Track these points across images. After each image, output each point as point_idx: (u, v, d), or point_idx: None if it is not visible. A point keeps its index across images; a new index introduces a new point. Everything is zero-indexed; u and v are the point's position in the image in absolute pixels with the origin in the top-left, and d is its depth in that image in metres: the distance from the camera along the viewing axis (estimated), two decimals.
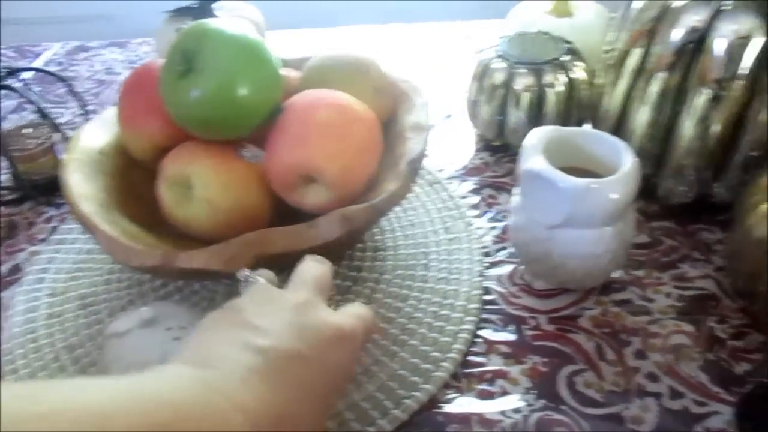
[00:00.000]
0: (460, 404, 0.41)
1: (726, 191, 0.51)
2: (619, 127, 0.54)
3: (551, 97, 0.58)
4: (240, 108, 0.42)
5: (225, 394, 0.27)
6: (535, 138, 0.45)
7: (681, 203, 0.53)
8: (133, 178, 0.49)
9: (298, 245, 0.40)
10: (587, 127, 0.59)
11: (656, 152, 0.52)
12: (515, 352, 0.44)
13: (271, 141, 0.44)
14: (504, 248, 0.52)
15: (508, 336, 0.46)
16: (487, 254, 0.52)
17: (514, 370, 0.43)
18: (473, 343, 0.45)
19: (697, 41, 0.47)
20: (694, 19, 0.47)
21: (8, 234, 0.58)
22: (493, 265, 0.51)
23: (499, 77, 0.59)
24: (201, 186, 0.43)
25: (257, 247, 0.40)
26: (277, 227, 0.41)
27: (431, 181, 0.59)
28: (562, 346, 0.45)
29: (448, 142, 0.66)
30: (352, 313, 0.34)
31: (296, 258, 0.37)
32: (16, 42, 0.92)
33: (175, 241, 0.45)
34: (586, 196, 0.42)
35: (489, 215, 0.56)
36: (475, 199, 0.58)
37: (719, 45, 0.45)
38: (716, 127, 0.48)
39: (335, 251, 0.42)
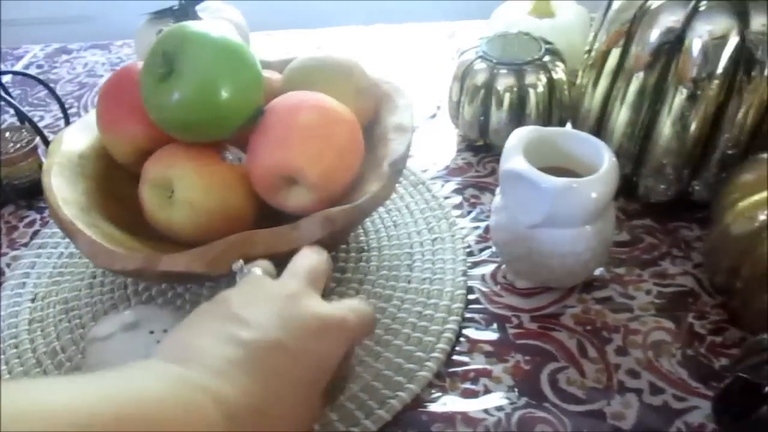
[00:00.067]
0: (444, 403, 0.42)
1: (704, 189, 0.52)
2: (600, 127, 0.55)
3: (533, 98, 0.58)
4: (221, 110, 0.42)
5: (201, 386, 0.26)
6: (516, 138, 0.46)
7: (660, 201, 0.54)
8: (114, 182, 0.49)
9: (280, 247, 0.40)
10: (568, 127, 0.60)
11: (636, 151, 0.52)
12: (498, 351, 0.45)
13: (253, 143, 0.44)
14: (487, 248, 0.53)
15: (492, 335, 0.46)
16: (470, 254, 0.52)
17: (498, 369, 0.44)
18: (457, 343, 0.45)
19: (675, 41, 0.47)
20: (671, 19, 0.47)
21: None
22: (477, 264, 0.52)
23: (480, 78, 0.59)
24: (183, 188, 0.43)
25: (240, 249, 0.40)
26: (260, 229, 0.41)
27: (414, 181, 0.59)
28: (545, 344, 0.45)
29: (431, 142, 0.66)
30: (347, 306, 0.34)
31: (279, 260, 0.37)
32: None
33: (158, 244, 0.45)
34: (566, 195, 0.42)
35: (472, 215, 0.57)
36: (458, 199, 0.58)
37: (696, 45, 0.46)
38: (694, 126, 0.48)
39: None
